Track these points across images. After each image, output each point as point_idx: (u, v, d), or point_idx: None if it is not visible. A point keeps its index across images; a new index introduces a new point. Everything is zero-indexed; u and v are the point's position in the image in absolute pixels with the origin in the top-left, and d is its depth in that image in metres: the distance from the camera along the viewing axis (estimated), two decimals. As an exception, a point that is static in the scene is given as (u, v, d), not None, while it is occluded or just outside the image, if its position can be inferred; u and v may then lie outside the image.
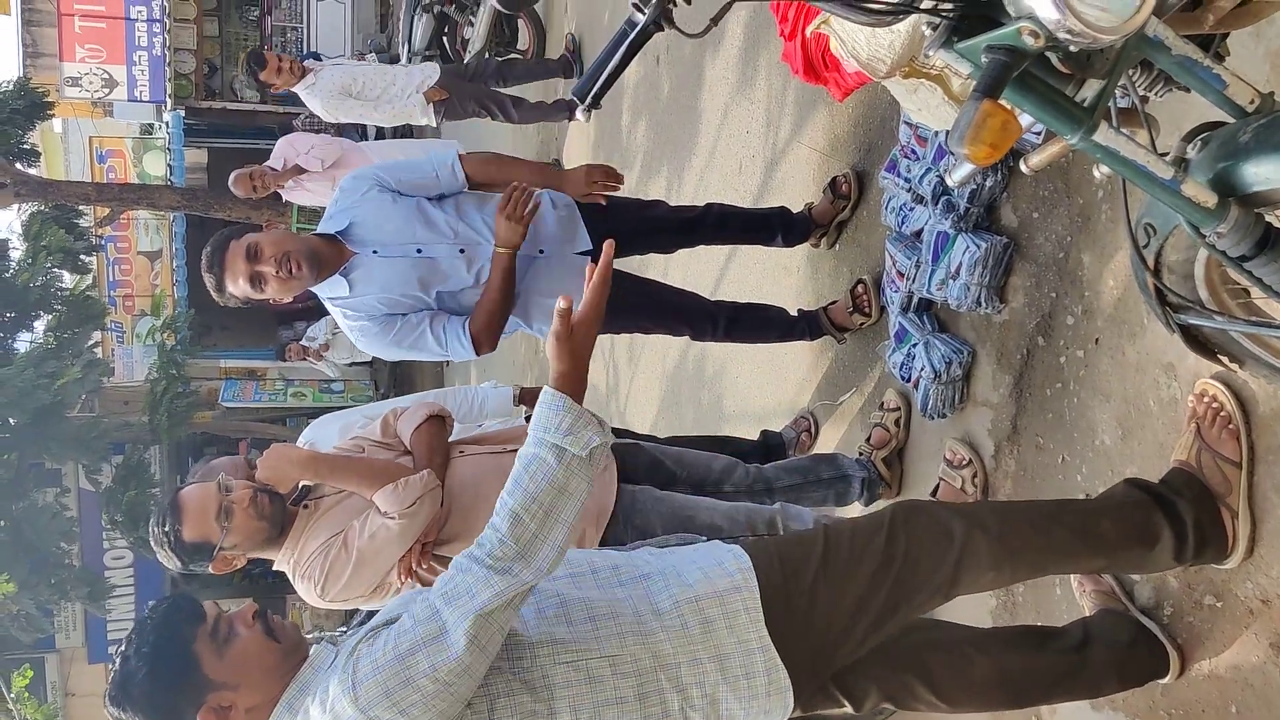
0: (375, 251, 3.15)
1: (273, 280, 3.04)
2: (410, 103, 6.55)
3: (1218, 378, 2.17)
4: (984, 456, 3.00)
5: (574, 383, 1.70)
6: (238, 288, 3.07)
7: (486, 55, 7.56)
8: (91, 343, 16.65)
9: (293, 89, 6.51)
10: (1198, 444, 2.15)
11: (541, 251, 3.24)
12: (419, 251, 3.15)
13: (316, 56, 16.55)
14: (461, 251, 3.17)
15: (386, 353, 3.30)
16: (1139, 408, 2.43)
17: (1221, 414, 2.14)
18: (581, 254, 3.27)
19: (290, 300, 3.17)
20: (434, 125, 6.90)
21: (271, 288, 3.06)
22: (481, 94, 6.63)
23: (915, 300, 3.25)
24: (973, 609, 2.87)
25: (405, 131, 12.37)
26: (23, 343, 15.39)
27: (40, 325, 15.78)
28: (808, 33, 1.81)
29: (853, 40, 1.67)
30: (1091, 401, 2.59)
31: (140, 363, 17.61)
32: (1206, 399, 2.18)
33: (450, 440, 3.00)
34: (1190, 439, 2.17)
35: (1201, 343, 1.77)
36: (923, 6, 1.35)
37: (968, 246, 2.92)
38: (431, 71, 6.67)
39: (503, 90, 6.92)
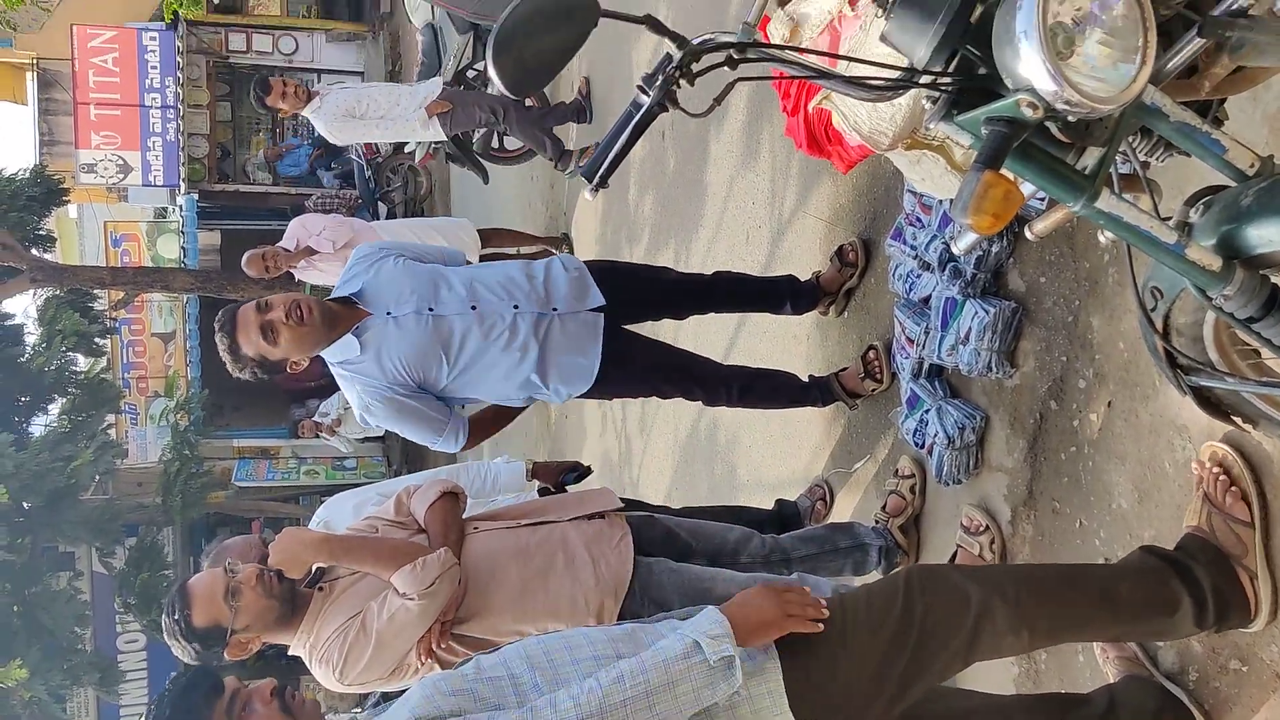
0: (389, 313, 3.18)
1: (284, 330, 3.05)
2: (414, 118, 6.68)
3: (1224, 440, 2.17)
4: (1001, 522, 2.98)
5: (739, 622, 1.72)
6: (250, 343, 3.07)
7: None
8: (105, 425, 16.70)
9: (299, 112, 6.64)
10: (1207, 508, 2.13)
11: (555, 309, 3.26)
12: (431, 310, 3.18)
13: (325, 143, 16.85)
14: (474, 308, 3.19)
15: (386, 421, 3.31)
16: (1154, 470, 2.42)
17: (1227, 476, 2.13)
18: (594, 310, 3.29)
19: (303, 362, 3.17)
20: (441, 137, 7.02)
21: (284, 339, 3.06)
22: (484, 100, 6.77)
23: (926, 366, 3.25)
24: (996, 676, 2.83)
25: (416, 210, 12.54)
26: (37, 426, 15.45)
27: (55, 409, 15.86)
28: (810, 108, 1.84)
29: (854, 114, 1.70)
30: (1106, 465, 2.58)
31: (154, 444, 17.65)
32: (1211, 463, 2.17)
33: (464, 517, 3.00)
34: (1199, 504, 2.16)
35: (1214, 404, 1.77)
36: (921, 81, 1.38)
37: (976, 312, 2.93)
38: (434, 87, 6.80)
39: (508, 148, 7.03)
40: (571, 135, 7.40)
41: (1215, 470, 2.15)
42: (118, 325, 17.73)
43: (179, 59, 16.25)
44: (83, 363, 17.15)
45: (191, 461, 15.79)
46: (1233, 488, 2.10)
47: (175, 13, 14.78)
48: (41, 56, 17.68)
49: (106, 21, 16.30)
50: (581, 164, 5.85)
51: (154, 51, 16.14)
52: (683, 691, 1.63)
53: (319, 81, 6.95)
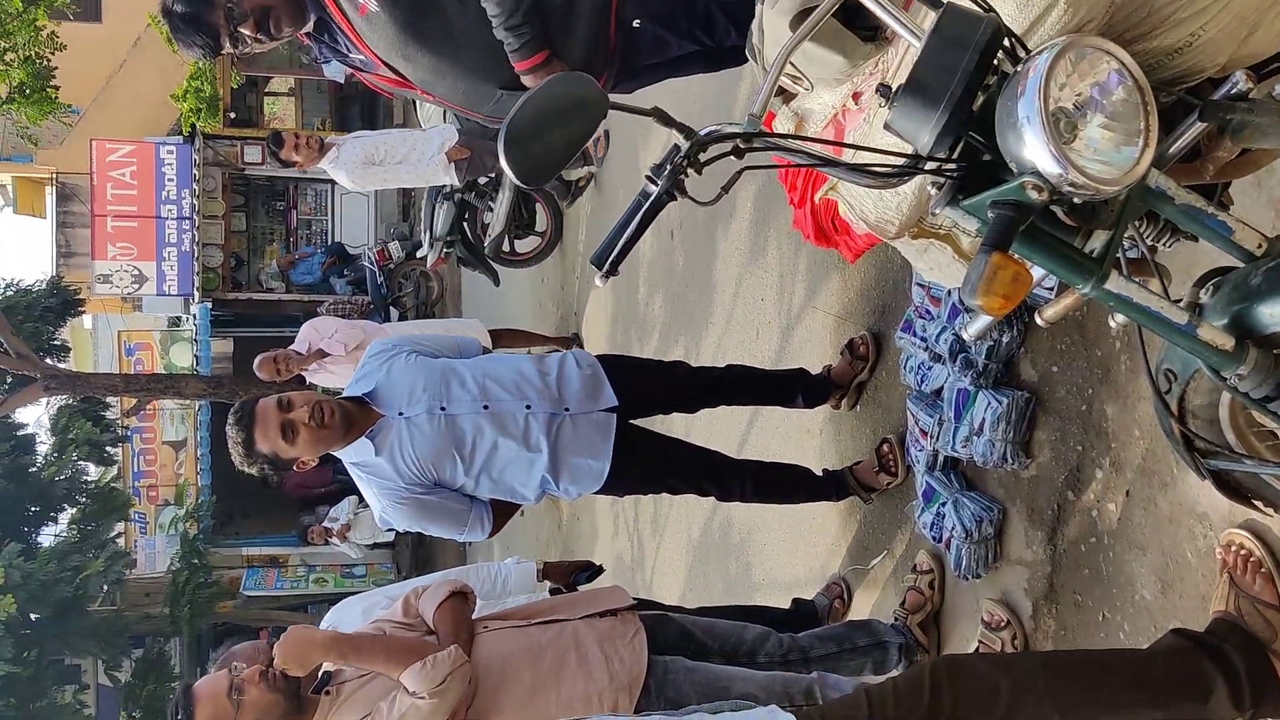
0: (401, 413, 3.17)
1: (304, 431, 3.04)
2: (433, 164, 6.70)
3: (1244, 526, 2.14)
4: (1022, 617, 2.92)
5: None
6: (267, 440, 3.04)
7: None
8: (115, 534, 16.64)
9: (317, 165, 6.65)
10: (1233, 592, 2.10)
11: (567, 409, 3.25)
12: (443, 409, 3.17)
13: (342, 248, 17.10)
14: (486, 408, 3.19)
15: (406, 523, 3.28)
16: (1177, 560, 2.38)
17: (1252, 560, 2.10)
18: (607, 411, 3.29)
19: (312, 461, 3.16)
20: (456, 184, 7.04)
21: (302, 439, 3.05)
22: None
23: (941, 458, 3.23)
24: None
25: (428, 315, 12.65)
26: (47, 536, 15.39)
27: (64, 518, 15.82)
28: (816, 199, 1.86)
29: (861, 204, 1.71)
30: (1128, 555, 2.54)
31: (163, 553, 17.54)
32: (1235, 548, 2.15)
33: (474, 617, 2.95)
34: (1225, 588, 2.13)
35: (1234, 488, 1.74)
36: (926, 168, 1.39)
37: (989, 403, 2.92)
38: (451, 133, 6.81)
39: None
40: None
41: (1240, 554, 2.11)
42: (129, 433, 17.77)
43: (195, 171, 16.59)
44: (94, 472, 17.17)
45: (200, 571, 15.69)
46: (1261, 570, 2.07)
47: (193, 126, 15.13)
48: (61, 171, 18.07)
49: (125, 135, 16.69)
50: (599, 155, 5.90)
51: (171, 164, 16.49)
52: None
53: (331, 133, 7.05)
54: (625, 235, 1.43)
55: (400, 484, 3.18)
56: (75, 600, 13.19)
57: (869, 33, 1.65)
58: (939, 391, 3.21)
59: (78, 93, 15.13)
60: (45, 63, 11.02)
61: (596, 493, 3.38)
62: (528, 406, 3.21)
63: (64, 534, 15.26)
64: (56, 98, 11.06)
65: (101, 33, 17.14)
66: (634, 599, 3.11)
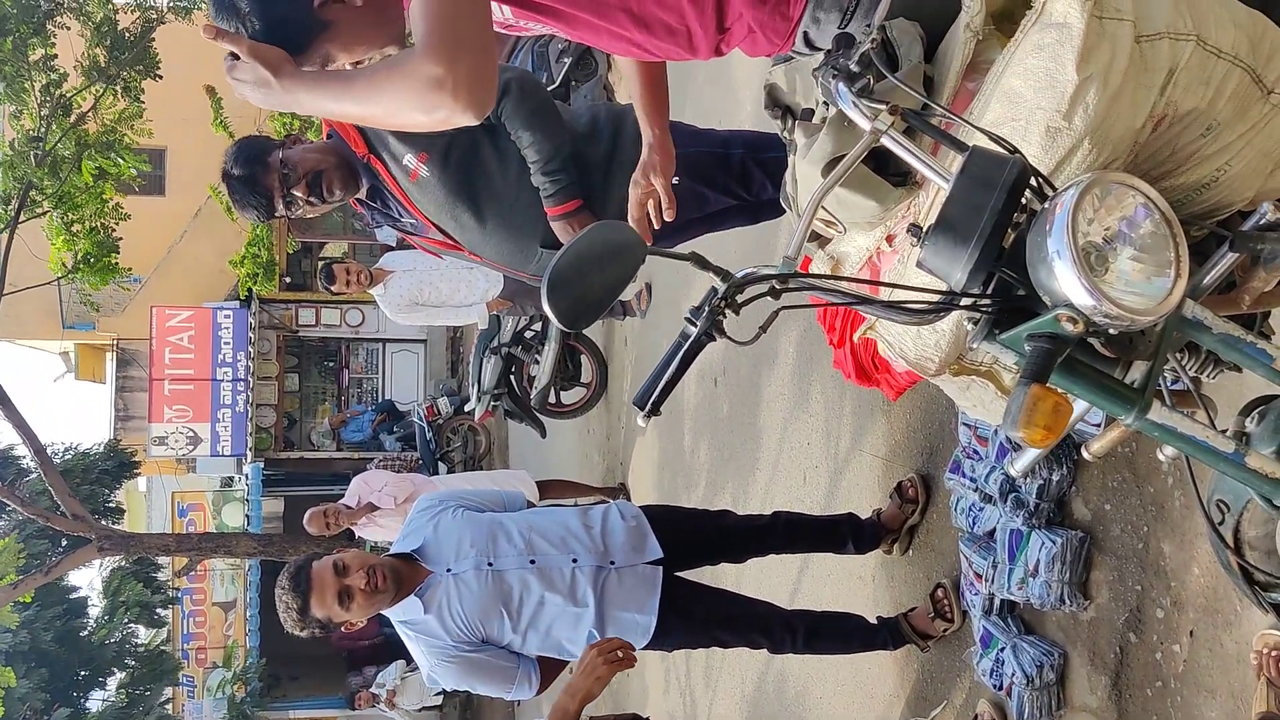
0: (449, 570, 3.17)
1: (359, 595, 3.04)
2: (473, 313, 6.97)
3: (1276, 627, 2.10)
4: (1091, 767, 2.81)
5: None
6: (324, 607, 3.05)
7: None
8: (164, 700, 16.49)
9: (367, 291, 6.84)
10: (1273, 692, 2.08)
11: (612, 563, 3.24)
12: (490, 565, 3.17)
13: (392, 405, 17.34)
14: (532, 562, 3.18)
15: (454, 681, 3.25)
16: (1245, 702, 2.29)
17: None
18: (653, 564, 3.26)
19: (361, 622, 3.15)
20: (484, 326, 7.31)
21: (357, 603, 3.05)
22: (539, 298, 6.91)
23: (997, 602, 3.16)
24: None
25: (476, 468, 12.71)
26: (95, 700, 15.28)
27: (112, 682, 15.73)
28: (855, 338, 1.89)
29: (900, 341, 1.73)
30: (1195, 699, 2.45)
31: (210, 717, 17.31)
32: (1269, 650, 2.13)
33: None
34: (1264, 690, 2.11)
35: (1299, 621, 1.70)
36: (961, 304, 1.42)
37: (1043, 543, 2.87)
38: (496, 281, 6.89)
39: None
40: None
41: (1274, 655, 2.08)
42: (179, 595, 17.79)
43: (251, 334, 17.04)
44: (144, 634, 17.14)
45: (247, 733, 15.44)
46: None
47: (249, 290, 15.60)
48: (122, 337, 18.64)
49: (184, 301, 17.25)
50: (642, 308, 5.95)
51: (228, 328, 16.97)
52: None
53: (381, 258, 7.24)
54: (666, 376, 1.45)
55: (449, 642, 3.16)
56: (121, 768, 13.00)
57: (899, 178, 1.70)
58: (992, 533, 3.16)
59: (140, 262, 15.70)
60: (110, 233, 11.49)
61: (644, 648, 3.33)
62: (574, 560, 3.20)
63: (113, 699, 15.13)
64: (118, 265, 11.49)
65: (164, 205, 17.91)
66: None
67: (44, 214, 11.31)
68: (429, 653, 3.19)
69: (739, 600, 3.56)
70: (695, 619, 3.38)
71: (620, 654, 2.84)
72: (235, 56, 1.62)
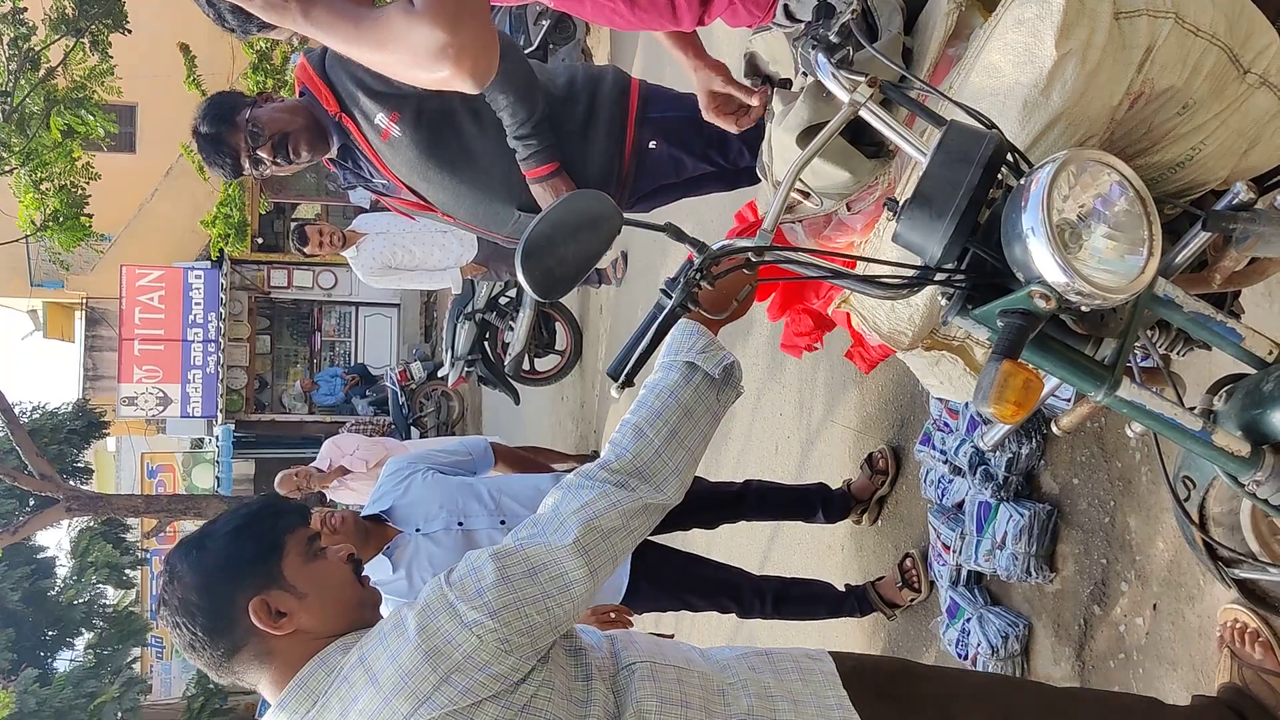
0: (418, 529, 3.18)
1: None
2: (446, 278, 6.91)
3: (1239, 602, 2.14)
4: (1053, 736, 2.85)
5: (708, 322, 1.60)
6: None
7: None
8: (131, 659, 16.47)
9: (339, 253, 6.81)
10: (1236, 664, 2.13)
11: None
12: (460, 525, 3.18)
13: (365, 368, 17.26)
14: (503, 523, 3.19)
15: None
16: (1206, 675, 2.32)
17: (1249, 631, 2.13)
18: None
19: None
20: (457, 291, 7.27)
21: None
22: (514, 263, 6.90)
23: (964, 573, 3.19)
24: None
25: (449, 432, 12.71)
26: (63, 661, 15.24)
27: (80, 642, 15.69)
28: (829, 312, 1.89)
29: (873, 315, 1.73)
30: (1158, 670, 2.48)
31: (179, 679, 17.35)
32: (1231, 623, 2.18)
33: None
34: (1227, 662, 2.15)
35: (1260, 596, 1.72)
36: (935, 279, 1.42)
37: (1011, 515, 2.90)
38: (470, 245, 6.88)
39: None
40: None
41: (1237, 628, 2.15)
42: (149, 556, 17.73)
43: (222, 295, 16.90)
44: (112, 595, 17.09)
45: (216, 697, 15.44)
46: (1260, 640, 2.09)
47: (221, 251, 15.47)
48: (91, 296, 18.46)
49: (155, 260, 17.09)
50: (618, 276, 5.91)
51: (199, 289, 16.83)
52: (700, 415, 1.55)
53: (354, 220, 7.18)
54: (640, 347, 1.45)
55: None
56: (89, 728, 12.99)
57: (873, 149, 1.69)
58: (960, 505, 3.19)
59: (110, 220, 15.53)
60: (79, 191, 11.35)
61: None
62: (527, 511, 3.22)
63: (80, 659, 15.10)
64: (89, 225, 11.36)
65: (135, 163, 17.69)
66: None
67: (11, 171, 11.15)
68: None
69: (709, 564, 3.58)
70: (665, 582, 3.40)
71: (613, 615, 2.87)
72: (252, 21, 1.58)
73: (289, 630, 1.52)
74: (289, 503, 1.66)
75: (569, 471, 3.28)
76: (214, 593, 1.53)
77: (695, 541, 4.67)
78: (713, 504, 3.62)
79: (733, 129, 2.41)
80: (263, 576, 1.54)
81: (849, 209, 1.73)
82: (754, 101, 2.34)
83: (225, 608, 1.52)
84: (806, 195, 1.75)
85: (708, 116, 2.42)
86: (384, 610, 3.16)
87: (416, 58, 1.46)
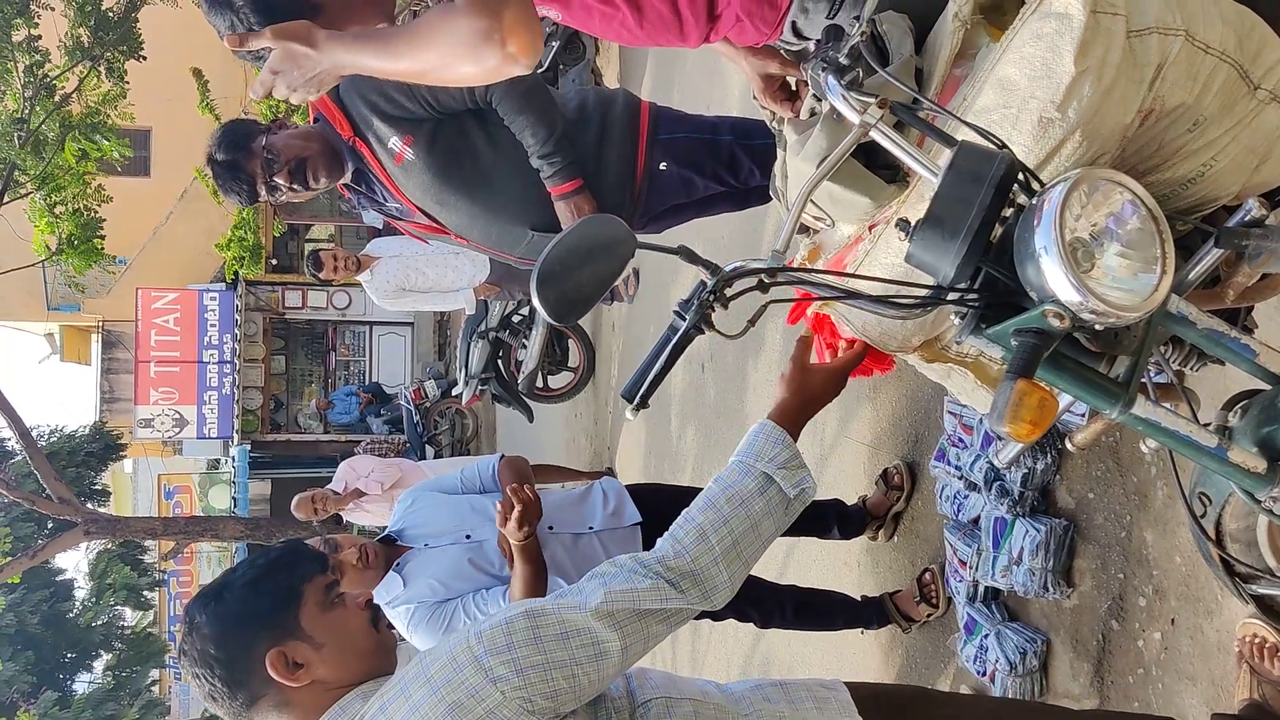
0: (427, 544, 3.20)
1: (350, 572, 3.07)
2: (460, 299, 6.95)
3: (1258, 616, 2.12)
4: (1073, 753, 2.83)
5: (796, 420, 1.60)
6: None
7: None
8: (150, 682, 16.49)
9: (354, 277, 6.80)
10: (1255, 679, 2.11)
11: (591, 528, 3.26)
12: (468, 537, 3.19)
13: (379, 387, 17.30)
14: None
15: (435, 639, 3.26)
16: (1225, 690, 2.31)
17: (1268, 646, 2.11)
18: (631, 526, 3.28)
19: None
20: (470, 311, 7.29)
21: (348, 580, 3.06)
22: (527, 279, 6.90)
23: (982, 589, 3.18)
24: None
25: (463, 452, 12.72)
26: (82, 683, 15.26)
27: (99, 665, 15.72)
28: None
29: (862, 319, 1.74)
30: (1177, 686, 2.47)
31: (197, 701, 17.31)
32: (1250, 638, 2.16)
33: None
34: (1246, 677, 2.14)
35: (1278, 612, 1.71)
36: (949, 299, 1.42)
37: (1027, 531, 2.89)
38: (483, 266, 6.88)
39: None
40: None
41: (1256, 643, 2.13)
42: (166, 577, 17.77)
43: (237, 317, 16.98)
44: (131, 617, 17.12)
45: (234, 717, 15.44)
46: (1279, 655, 2.06)
47: (236, 273, 15.55)
48: (107, 319, 18.55)
49: (170, 283, 17.18)
50: (630, 293, 5.91)
51: (214, 310, 16.91)
52: (765, 529, 1.55)
53: (368, 244, 7.18)
54: (655, 368, 1.46)
55: (431, 602, 3.17)
56: (108, 751, 13.01)
57: (888, 172, 1.70)
58: (976, 520, 3.18)
59: (125, 244, 15.63)
60: (93, 215, 11.43)
61: None
62: (550, 527, 3.22)
63: (99, 681, 15.13)
64: (103, 248, 11.43)
65: (149, 187, 17.81)
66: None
67: (27, 195, 11.25)
68: (407, 619, 3.19)
69: None
70: None
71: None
72: (263, 57, 1.61)
73: (306, 681, 1.53)
74: (308, 550, 1.66)
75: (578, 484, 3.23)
76: (232, 645, 1.54)
77: (711, 559, 4.66)
78: None
79: (787, 113, 2.41)
80: (280, 628, 1.55)
81: (869, 233, 1.73)
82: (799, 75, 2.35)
83: (243, 659, 1.53)
84: (820, 218, 1.75)
85: (762, 102, 2.43)
86: (394, 619, 3.17)
87: (462, 49, 1.46)
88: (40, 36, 10.85)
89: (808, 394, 1.65)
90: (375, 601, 3.16)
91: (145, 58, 11.57)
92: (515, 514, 2.79)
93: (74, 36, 11.05)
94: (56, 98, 11.04)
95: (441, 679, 1.40)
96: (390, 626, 1.73)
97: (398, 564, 3.19)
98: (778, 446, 1.57)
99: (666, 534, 1.55)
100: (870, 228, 1.70)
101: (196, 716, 16.72)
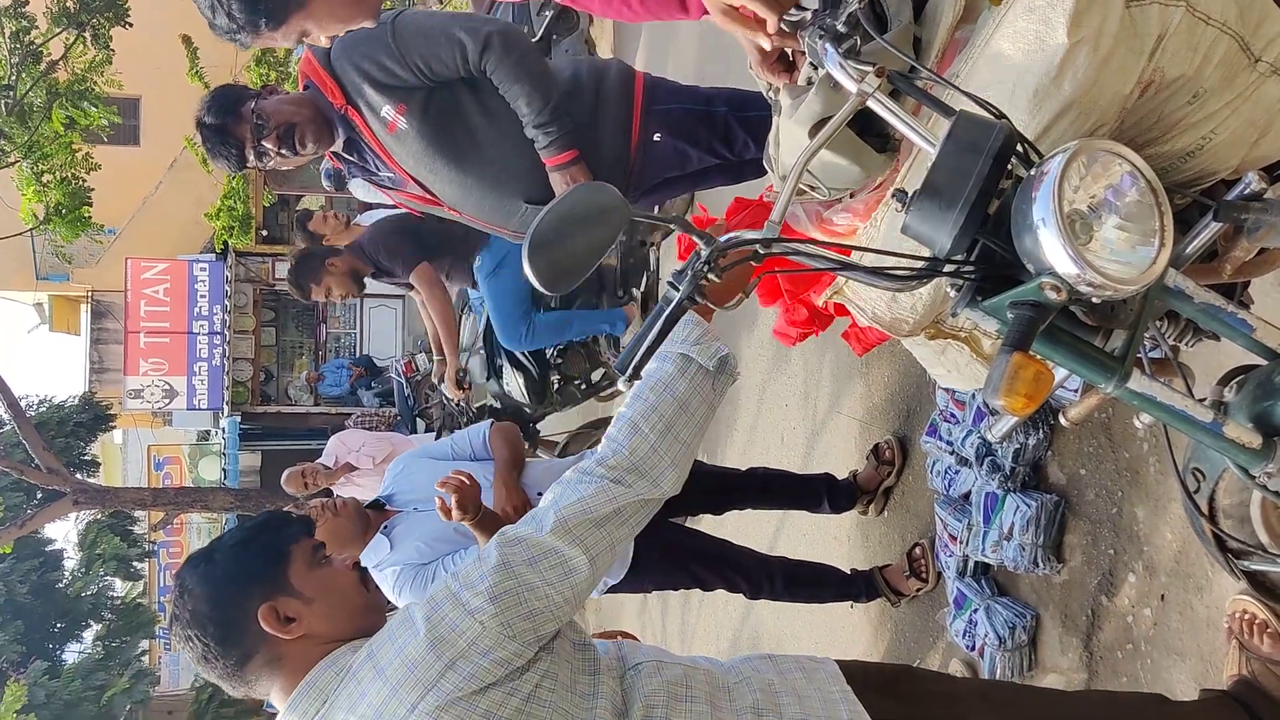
0: (415, 508, 3.22)
1: (320, 524, 3.08)
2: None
3: (1247, 592, 2.13)
4: (1061, 727, 2.84)
5: (703, 309, 1.60)
6: None
7: None
8: (140, 651, 16.52)
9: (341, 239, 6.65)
10: (1244, 656, 2.12)
11: None
12: None
13: (370, 360, 17.26)
14: None
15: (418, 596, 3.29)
16: (1215, 665, 2.32)
17: (1258, 623, 2.12)
18: None
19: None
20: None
21: (319, 532, 3.08)
22: None
23: (971, 564, 3.18)
24: None
25: (455, 426, 12.69)
26: (71, 653, 15.28)
27: (89, 635, 15.73)
28: (820, 302, 1.88)
29: (873, 305, 1.72)
30: (1165, 661, 2.48)
31: (187, 670, 17.39)
32: (1240, 614, 2.17)
33: None
34: (1235, 654, 2.15)
35: (1269, 588, 1.71)
36: (945, 270, 1.41)
37: (1018, 506, 2.89)
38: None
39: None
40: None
41: (1246, 619, 2.14)
42: (156, 548, 17.77)
43: (227, 287, 16.90)
44: (120, 587, 17.13)
45: (224, 687, 15.49)
46: (1269, 631, 2.07)
47: (225, 243, 15.47)
48: (96, 289, 18.46)
49: (160, 253, 17.08)
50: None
51: (204, 281, 16.83)
52: (695, 407, 1.56)
53: (359, 215, 7.07)
54: (648, 340, 1.45)
55: (417, 563, 3.18)
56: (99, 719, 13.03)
57: (880, 140, 1.68)
58: (967, 496, 3.18)
59: (114, 213, 15.52)
60: (81, 184, 11.34)
61: (622, 584, 3.35)
62: (539, 494, 3.22)
63: (89, 651, 15.15)
64: (90, 218, 11.35)
65: (138, 155, 17.68)
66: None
67: (14, 164, 11.15)
68: (393, 579, 3.19)
69: (719, 541, 3.61)
70: (677, 555, 3.42)
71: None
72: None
73: (298, 634, 1.55)
74: (292, 515, 1.71)
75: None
76: (224, 602, 1.57)
77: (703, 528, 4.67)
78: (718, 488, 3.64)
79: (782, 82, 2.38)
80: (270, 584, 1.58)
81: (851, 196, 1.72)
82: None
83: (235, 616, 1.55)
84: (814, 189, 1.74)
85: (759, 73, 2.40)
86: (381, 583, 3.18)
87: None
88: (27, 2, 10.73)
89: (717, 288, 1.64)
90: (364, 565, 3.18)
91: (131, 24, 11.44)
92: (453, 503, 2.81)
93: (60, 3, 10.93)
94: (43, 65, 10.92)
95: (423, 618, 1.44)
96: (377, 589, 1.75)
97: (385, 526, 3.22)
98: (687, 327, 1.57)
99: (603, 437, 1.58)
100: (852, 195, 1.69)
101: (186, 686, 16.78)
